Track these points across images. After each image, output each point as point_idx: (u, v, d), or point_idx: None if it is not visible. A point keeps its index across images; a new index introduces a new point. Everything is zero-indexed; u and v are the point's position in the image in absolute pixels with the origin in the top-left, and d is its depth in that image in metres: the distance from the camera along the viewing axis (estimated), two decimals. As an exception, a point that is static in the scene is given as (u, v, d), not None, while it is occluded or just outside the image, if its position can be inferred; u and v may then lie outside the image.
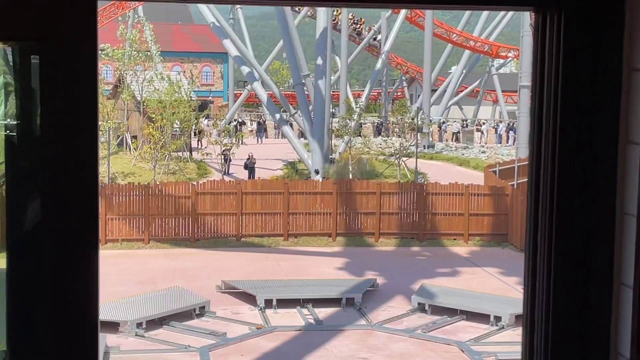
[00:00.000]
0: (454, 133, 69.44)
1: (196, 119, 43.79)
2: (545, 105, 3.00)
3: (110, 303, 19.01)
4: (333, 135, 44.51)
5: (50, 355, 2.52)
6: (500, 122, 74.38)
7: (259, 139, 65.24)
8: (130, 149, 45.83)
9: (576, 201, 2.97)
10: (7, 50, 2.67)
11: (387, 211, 29.32)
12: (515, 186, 32.66)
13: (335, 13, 62.61)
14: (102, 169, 36.49)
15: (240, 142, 45.48)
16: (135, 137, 45.89)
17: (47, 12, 2.44)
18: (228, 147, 40.75)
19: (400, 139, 45.89)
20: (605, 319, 2.95)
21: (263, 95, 47.47)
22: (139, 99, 44.92)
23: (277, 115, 45.75)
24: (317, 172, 37.14)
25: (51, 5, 2.42)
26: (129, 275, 23.19)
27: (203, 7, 45.73)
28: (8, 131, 2.57)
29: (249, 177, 37.98)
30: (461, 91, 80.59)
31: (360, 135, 48.79)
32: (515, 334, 18.67)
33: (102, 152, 38.71)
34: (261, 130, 67.63)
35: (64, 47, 2.44)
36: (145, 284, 22.04)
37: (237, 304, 20.92)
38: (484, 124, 73.25)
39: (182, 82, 43.81)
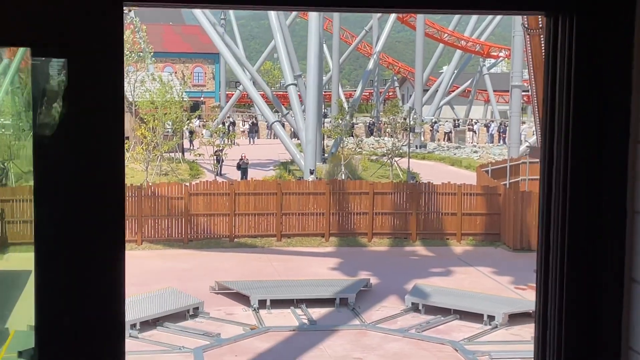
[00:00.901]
0: (445, 133, 69.60)
1: (188, 119, 43.77)
2: (557, 107, 3.04)
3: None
4: (325, 136, 44.56)
5: (79, 355, 2.54)
6: (492, 121, 74.55)
7: (251, 140, 65.27)
8: (122, 149, 45.72)
9: (587, 200, 3.02)
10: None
11: (380, 211, 29.36)
12: (507, 186, 32.77)
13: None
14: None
15: (232, 143, 45.45)
16: (127, 138, 45.86)
17: (74, 17, 2.46)
18: (220, 148, 40.73)
19: (392, 139, 46.01)
20: (617, 314, 3.00)
21: (256, 96, 47.43)
22: (130, 100, 44.86)
23: (270, 116, 45.76)
24: (311, 172, 37.16)
25: (79, 10, 2.44)
26: (122, 276, 23.14)
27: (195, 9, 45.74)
28: (38, 133, 2.58)
29: (242, 178, 37.99)
30: (453, 91, 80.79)
31: (352, 136, 48.80)
32: (509, 333, 18.74)
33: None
34: (253, 130, 67.66)
35: (91, 51, 2.47)
36: (139, 285, 21.99)
37: (231, 304, 20.92)
38: (475, 123, 73.41)
39: (174, 82, 43.80)
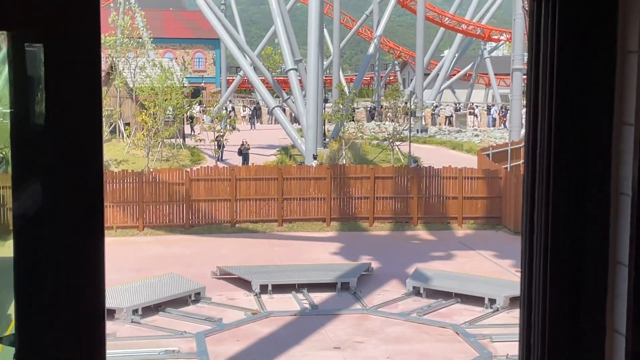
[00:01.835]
0: (447, 117, 69.47)
1: (189, 105, 43.73)
2: (540, 88, 3.04)
3: (106, 290, 19.02)
4: (326, 121, 44.53)
5: (59, 342, 2.55)
6: (493, 105, 74.42)
7: (252, 125, 65.22)
8: (123, 136, 45.80)
9: (572, 182, 3.01)
10: (8, 37, 2.69)
11: (381, 195, 29.38)
12: (508, 169, 32.75)
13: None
14: (96, 156, 36.45)
15: (233, 128, 45.43)
16: (128, 124, 45.85)
17: (53, 1, 2.46)
18: (221, 134, 40.72)
19: (393, 123, 45.97)
20: (601, 296, 3.00)
21: (257, 81, 47.36)
22: (131, 86, 44.82)
23: (271, 101, 45.71)
24: (315, 157, 37.14)
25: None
26: (124, 262, 23.21)
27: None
28: (16, 119, 2.59)
29: (243, 163, 37.99)
30: (454, 75, 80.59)
31: (353, 120, 48.76)
32: (510, 316, 18.76)
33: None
34: (256, 116, 67.60)
35: (67, 35, 2.47)
36: (141, 270, 22.06)
37: (233, 289, 20.96)
38: (477, 107, 73.29)
39: (174, 68, 43.72)
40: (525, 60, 42.85)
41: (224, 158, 42.34)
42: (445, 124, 68.15)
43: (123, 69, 45.80)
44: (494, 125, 67.08)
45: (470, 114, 71.05)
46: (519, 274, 16.99)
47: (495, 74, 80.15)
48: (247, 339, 17.24)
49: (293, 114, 51.44)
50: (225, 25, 48.25)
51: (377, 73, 78.18)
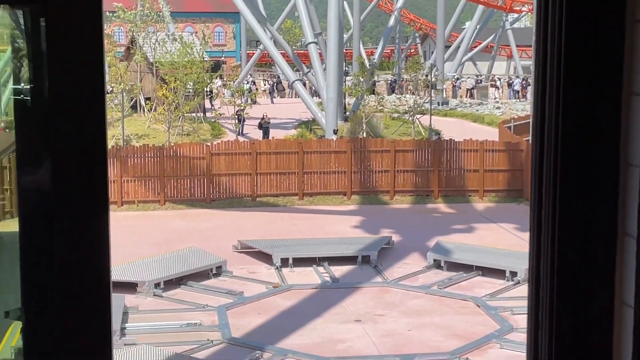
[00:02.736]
0: (468, 89, 69.08)
1: (209, 79, 43.72)
2: (549, 58, 3.00)
3: (128, 264, 19.18)
4: (346, 94, 44.42)
5: (65, 317, 2.57)
6: (515, 77, 73.90)
7: (272, 99, 65.21)
8: (144, 110, 45.91)
9: (580, 153, 2.98)
10: (18, 13, 2.69)
11: (401, 169, 29.32)
12: (530, 141, 32.52)
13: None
14: (117, 131, 36.60)
15: (253, 102, 45.42)
16: (148, 98, 45.94)
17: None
18: (242, 107, 40.71)
19: (414, 96, 45.82)
20: (610, 269, 2.98)
21: (277, 55, 47.25)
22: (151, 60, 44.85)
23: (291, 75, 45.61)
24: (335, 132, 37.07)
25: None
26: (145, 237, 23.36)
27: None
28: (22, 95, 2.59)
29: (263, 137, 38.01)
30: (475, 47, 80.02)
31: (374, 93, 48.59)
32: (531, 289, 18.71)
33: (116, 114, 38.80)
34: (276, 90, 67.50)
35: (70, 10, 2.46)
36: (162, 244, 22.20)
37: (254, 263, 21.05)
38: (498, 79, 72.81)
39: (195, 43, 43.68)
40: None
41: (244, 132, 42.39)
42: (466, 97, 67.79)
43: (143, 44, 45.81)
44: (516, 98, 66.64)
45: (491, 86, 70.60)
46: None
47: (517, 46, 79.56)
48: (268, 312, 17.32)
49: (313, 88, 51.33)
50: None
51: (398, 46, 77.84)
